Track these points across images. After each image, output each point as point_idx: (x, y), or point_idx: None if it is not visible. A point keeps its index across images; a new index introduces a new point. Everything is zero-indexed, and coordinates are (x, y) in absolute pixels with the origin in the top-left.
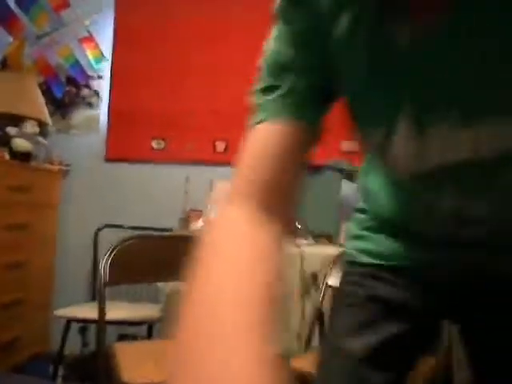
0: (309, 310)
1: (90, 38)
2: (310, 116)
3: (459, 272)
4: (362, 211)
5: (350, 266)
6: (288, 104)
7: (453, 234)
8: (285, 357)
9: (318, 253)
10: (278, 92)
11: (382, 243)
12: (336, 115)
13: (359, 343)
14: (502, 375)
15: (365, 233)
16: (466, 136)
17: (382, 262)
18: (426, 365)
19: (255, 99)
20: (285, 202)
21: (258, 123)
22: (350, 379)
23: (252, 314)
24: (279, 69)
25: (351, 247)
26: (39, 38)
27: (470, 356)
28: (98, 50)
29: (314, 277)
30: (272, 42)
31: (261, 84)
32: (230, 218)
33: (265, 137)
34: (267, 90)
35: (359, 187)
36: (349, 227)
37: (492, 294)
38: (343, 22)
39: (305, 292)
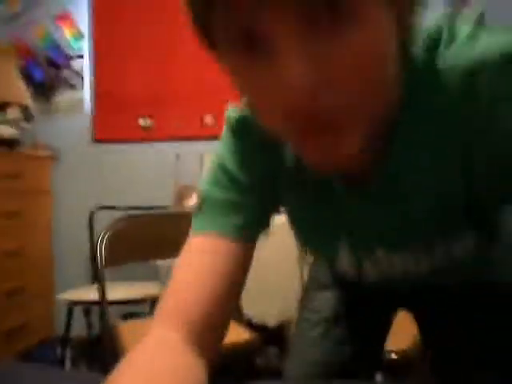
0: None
1: (66, 15)
2: (252, 233)
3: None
4: None
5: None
6: (232, 220)
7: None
8: None
9: None
10: (224, 204)
11: None
12: None
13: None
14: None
15: None
16: (397, 260)
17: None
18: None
19: (201, 198)
20: (211, 333)
21: (199, 230)
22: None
23: None
24: (227, 182)
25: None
26: (13, 18)
27: (422, 334)
28: (76, 27)
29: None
30: (224, 149)
31: (210, 186)
32: (155, 342)
33: (203, 252)
34: (213, 197)
35: None
36: None
37: (434, 295)
38: (289, 161)
39: (303, 258)
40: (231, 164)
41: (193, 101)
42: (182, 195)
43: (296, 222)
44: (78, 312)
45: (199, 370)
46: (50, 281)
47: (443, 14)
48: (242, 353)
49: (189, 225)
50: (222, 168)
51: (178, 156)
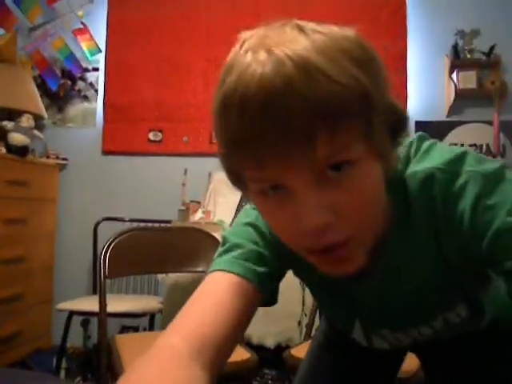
0: (309, 298)
1: (84, 30)
2: (266, 287)
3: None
4: None
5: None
6: (257, 269)
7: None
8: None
9: None
10: (252, 254)
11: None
12: None
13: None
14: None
15: None
16: (403, 336)
17: None
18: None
19: (230, 244)
20: (215, 354)
21: (226, 269)
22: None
23: None
24: (258, 238)
25: None
26: (32, 30)
27: (427, 376)
28: (93, 41)
29: None
30: (255, 214)
31: (240, 238)
32: (165, 354)
33: (217, 288)
34: (244, 245)
35: None
36: None
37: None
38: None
39: None
40: (263, 226)
41: (203, 117)
42: (188, 210)
43: (314, 297)
44: (76, 322)
45: (204, 382)
46: (50, 289)
47: (416, 136)
48: (238, 373)
49: (193, 240)
50: (253, 227)
51: (185, 171)
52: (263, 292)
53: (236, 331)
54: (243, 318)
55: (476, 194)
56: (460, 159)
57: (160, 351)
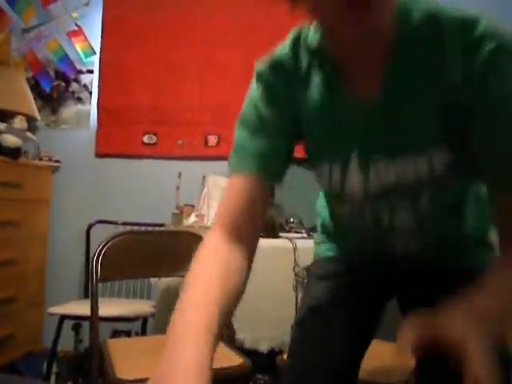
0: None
1: (78, 32)
2: (273, 172)
3: (387, 264)
4: (320, 226)
5: (316, 259)
6: (259, 162)
7: (377, 249)
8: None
9: (311, 247)
10: (254, 151)
11: (332, 247)
12: None
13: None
14: None
15: (321, 239)
16: (392, 168)
17: (335, 254)
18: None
19: (234, 146)
20: (248, 235)
21: (235, 172)
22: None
23: (208, 316)
24: (257, 122)
25: (316, 249)
26: (26, 31)
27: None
28: (87, 43)
29: (308, 270)
30: (253, 92)
31: (243, 130)
32: (211, 243)
33: (238, 185)
34: (246, 145)
35: (316, 214)
36: (314, 237)
37: (415, 275)
38: (313, 90)
39: (298, 285)
40: (260, 102)
41: (198, 121)
42: (181, 214)
43: (316, 135)
44: (67, 326)
45: (241, 261)
46: (41, 292)
47: None
48: (231, 378)
49: (186, 244)
50: (253, 106)
51: (179, 174)
52: (274, 177)
53: (259, 213)
54: (263, 202)
55: (490, 52)
56: (481, 18)
57: (207, 248)
